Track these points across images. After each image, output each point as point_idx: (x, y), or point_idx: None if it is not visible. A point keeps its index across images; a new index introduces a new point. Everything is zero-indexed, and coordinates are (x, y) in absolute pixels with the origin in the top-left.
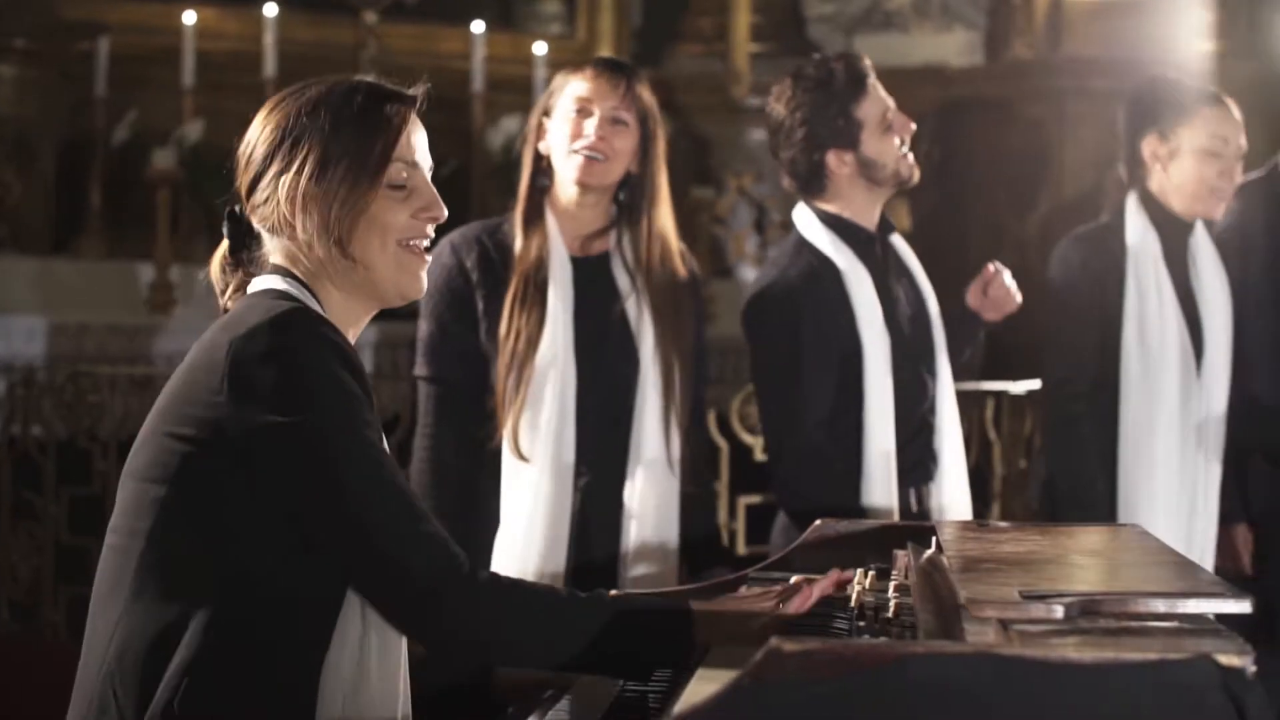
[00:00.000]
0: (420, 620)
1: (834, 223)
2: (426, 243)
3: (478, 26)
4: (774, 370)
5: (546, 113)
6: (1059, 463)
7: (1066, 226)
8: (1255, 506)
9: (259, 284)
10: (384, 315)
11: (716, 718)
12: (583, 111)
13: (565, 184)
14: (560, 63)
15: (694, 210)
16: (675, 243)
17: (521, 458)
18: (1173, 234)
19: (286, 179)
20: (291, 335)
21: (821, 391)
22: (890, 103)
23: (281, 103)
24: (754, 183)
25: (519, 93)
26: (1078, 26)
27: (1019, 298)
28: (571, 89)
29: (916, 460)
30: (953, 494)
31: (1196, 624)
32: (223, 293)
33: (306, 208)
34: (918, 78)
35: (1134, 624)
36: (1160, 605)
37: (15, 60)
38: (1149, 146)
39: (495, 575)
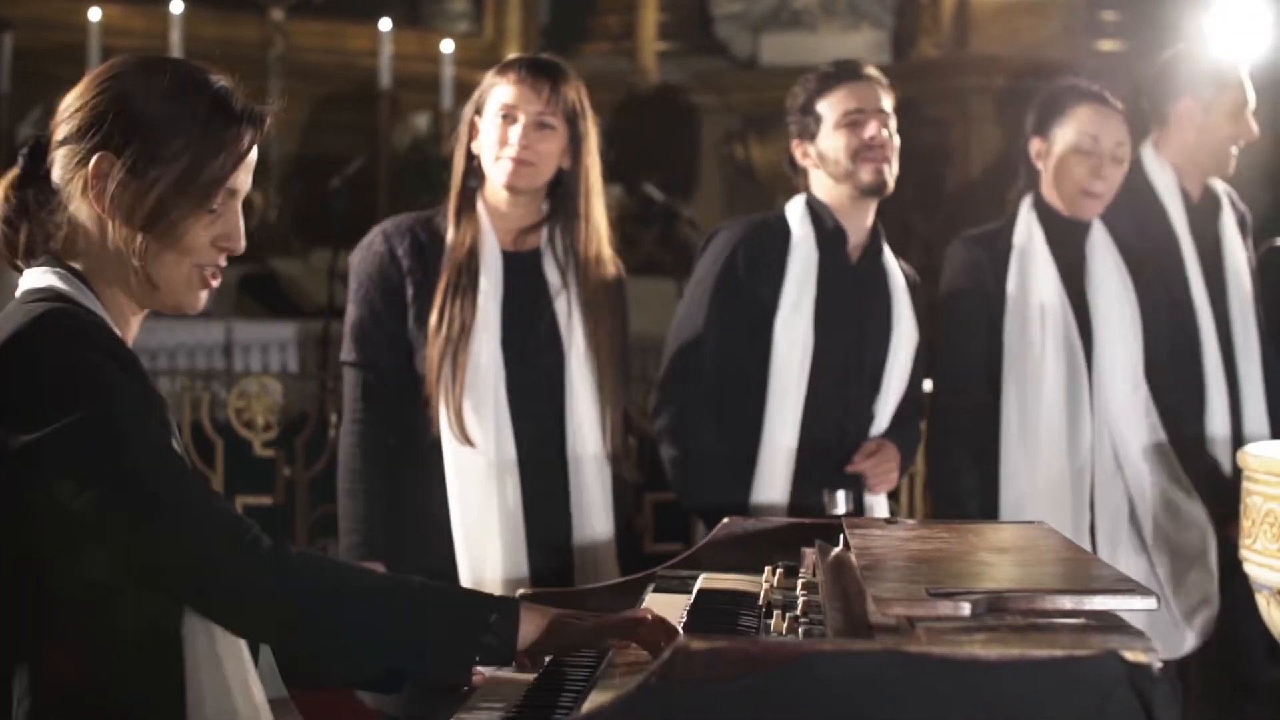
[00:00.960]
0: (220, 590)
1: (811, 202)
2: (217, 268)
3: (385, 24)
4: (685, 304)
5: (478, 111)
6: (934, 458)
7: (971, 225)
8: None
9: (29, 280)
10: (289, 313)
11: (624, 717)
12: (508, 118)
13: (495, 186)
14: (468, 61)
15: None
16: (608, 238)
17: (468, 442)
18: (1064, 235)
19: (104, 157)
20: (42, 338)
21: (721, 348)
22: (860, 105)
23: (122, 73)
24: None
25: (426, 90)
26: (984, 26)
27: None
28: (497, 94)
29: (836, 465)
30: (877, 502)
31: (1103, 620)
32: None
33: (115, 199)
34: None
35: (1041, 620)
36: (1067, 602)
37: None
38: (1034, 147)
39: (289, 544)
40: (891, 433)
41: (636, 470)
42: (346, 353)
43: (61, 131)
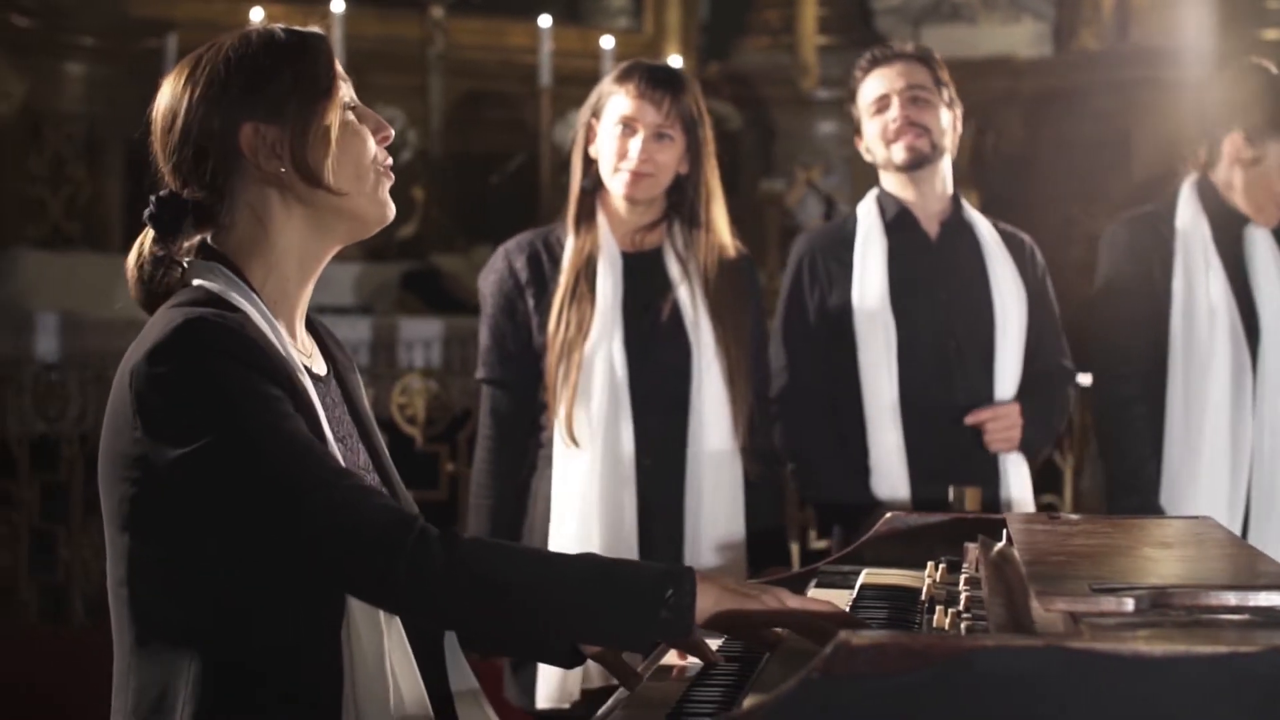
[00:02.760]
0: (392, 582)
1: (879, 194)
2: (386, 166)
3: (545, 21)
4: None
5: (595, 115)
6: (1112, 447)
7: None
8: None
9: (187, 277)
10: (451, 309)
11: (784, 713)
12: (627, 130)
13: (614, 195)
14: (628, 57)
15: (762, 203)
16: (729, 238)
17: (574, 443)
18: (1225, 224)
19: (245, 129)
20: (182, 352)
21: (798, 356)
22: (885, 90)
23: (196, 67)
24: (822, 175)
25: (586, 87)
26: (1145, 16)
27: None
28: (616, 104)
29: (959, 458)
30: (1015, 493)
31: (1268, 617)
32: (143, 298)
33: (273, 151)
34: (986, 69)
35: (1205, 617)
36: (1232, 598)
37: (84, 58)
38: (1232, 144)
39: (458, 532)
40: (1019, 398)
41: (773, 466)
42: (479, 371)
43: (172, 149)
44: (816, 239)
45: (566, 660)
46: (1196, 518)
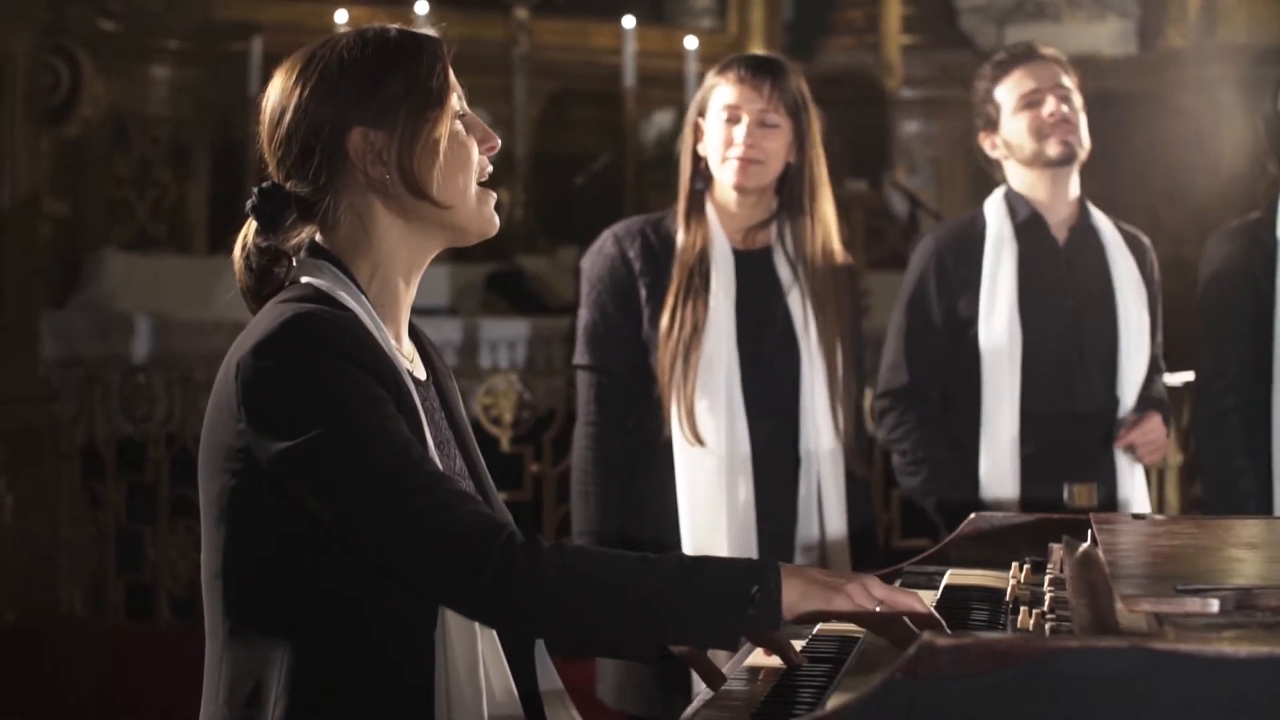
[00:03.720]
0: (479, 592)
1: (1008, 194)
2: (490, 171)
3: (629, 21)
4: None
5: (701, 113)
6: (1208, 457)
7: (1222, 217)
8: None
9: (293, 275)
10: (535, 310)
11: (868, 713)
12: (732, 118)
13: (724, 187)
14: (712, 57)
15: (849, 204)
16: (836, 232)
17: (700, 442)
18: None
19: (353, 133)
20: (290, 347)
21: (920, 356)
22: (1037, 85)
23: (307, 65)
24: (906, 175)
25: (671, 87)
26: (1231, 13)
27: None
28: (719, 95)
29: (1073, 459)
30: (1129, 492)
31: None
32: (251, 293)
33: (380, 158)
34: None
35: None
36: None
37: (169, 61)
38: None
39: (542, 540)
40: (1147, 404)
41: (869, 466)
42: (580, 356)
43: (280, 146)
44: (944, 240)
45: (651, 658)
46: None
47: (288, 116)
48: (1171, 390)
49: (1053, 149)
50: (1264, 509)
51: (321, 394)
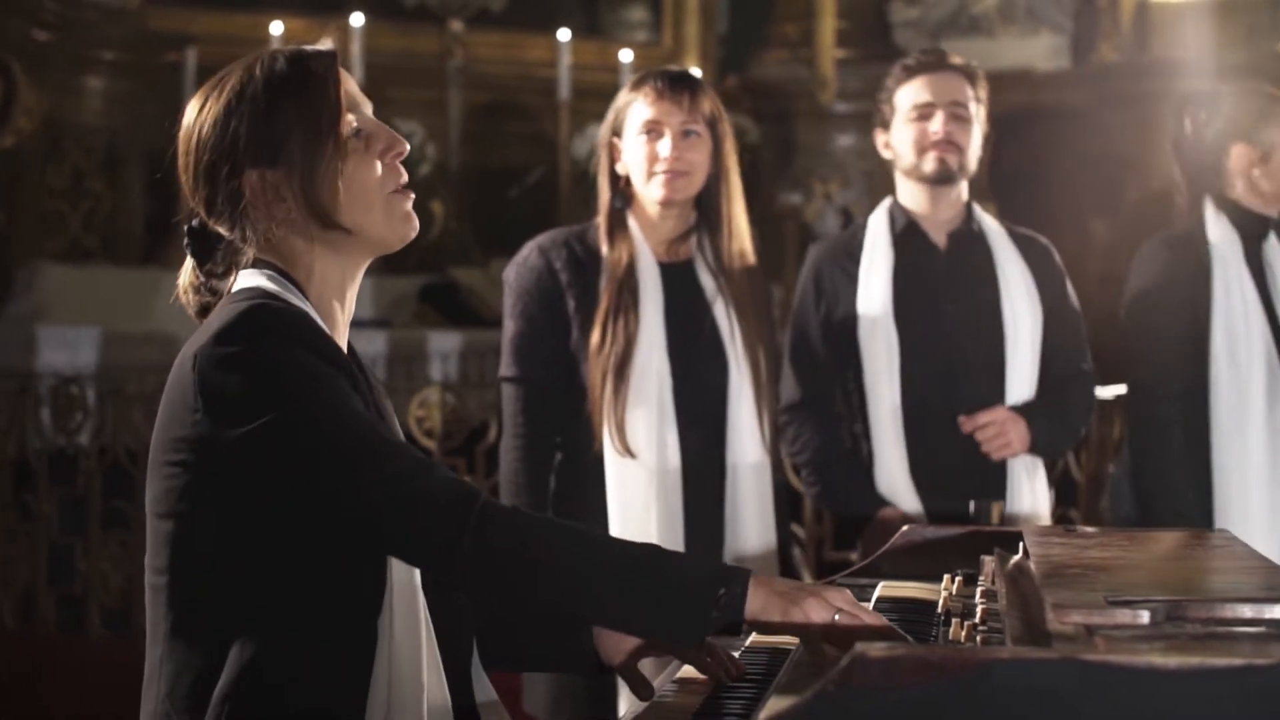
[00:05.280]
0: (460, 551)
1: (890, 205)
2: (405, 180)
3: (564, 34)
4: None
5: (617, 132)
6: (1150, 471)
7: (1154, 230)
8: None
9: (238, 282)
10: (469, 322)
11: None
12: (654, 134)
13: (649, 202)
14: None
15: (781, 217)
16: (749, 243)
17: (631, 454)
18: (1250, 234)
19: (249, 175)
20: (247, 334)
21: (805, 368)
22: (931, 99)
23: (208, 99)
24: (840, 188)
25: (605, 100)
26: (1164, 29)
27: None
28: (637, 112)
29: (971, 471)
30: (1027, 505)
31: None
32: (199, 312)
33: (279, 195)
34: (1004, 82)
35: (1220, 629)
36: (1247, 610)
37: (103, 72)
38: (1239, 154)
39: (520, 508)
40: (1028, 406)
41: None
42: (506, 368)
43: (193, 185)
44: (823, 253)
45: (590, 670)
46: (1211, 531)
47: (191, 159)
48: (1102, 403)
49: (928, 165)
50: (1204, 522)
51: (281, 377)
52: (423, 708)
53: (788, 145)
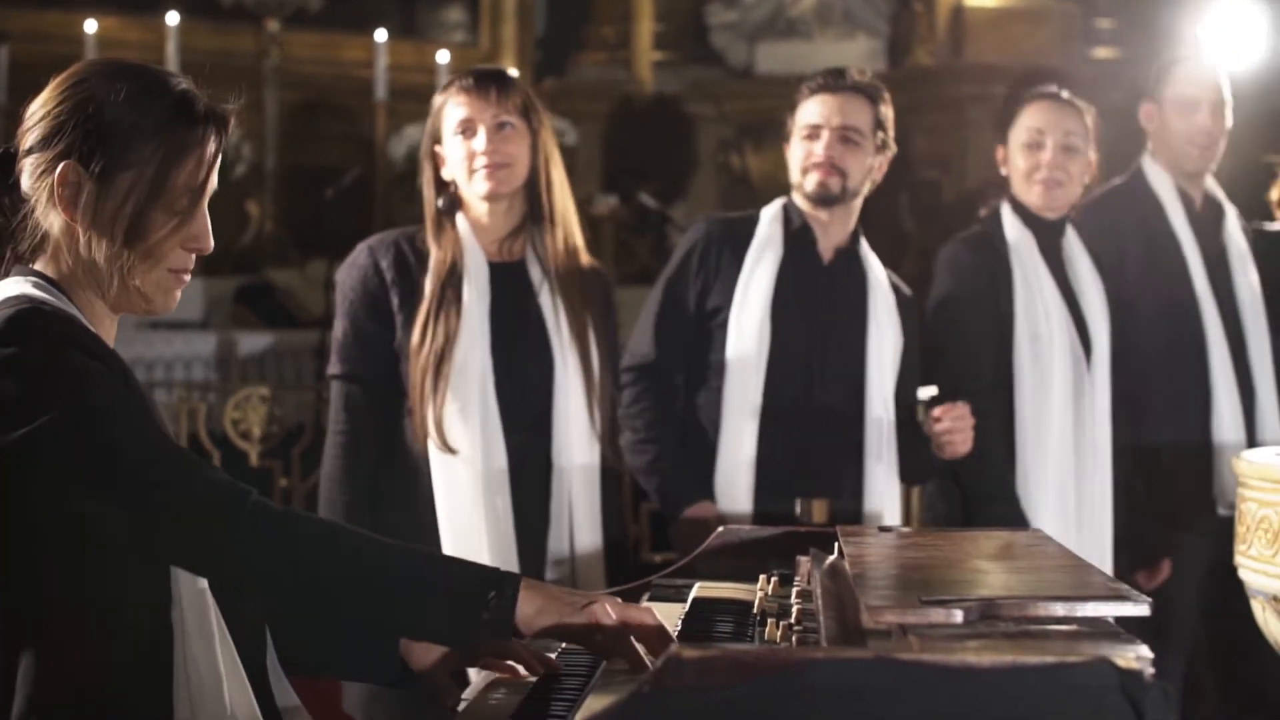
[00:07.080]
0: (218, 554)
1: (788, 204)
2: (187, 269)
3: (381, 35)
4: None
5: (437, 140)
6: (970, 462)
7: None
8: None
9: (1, 292)
10: (285, 324)
11: None
12: (468, 130)
13: (475, 200)
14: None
15: (599, 219)
16: (578, 231)
17: (451, 450)
18: (1045, 234)
19: (70, 166)
20: (21, 336)
21: (667, 337)
22: (821, 120)
23: (85, 79)
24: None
25: (422, 101)
26: (979, 34)
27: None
28: (451, 114)
29: (806, 474)
30: (879, 505)
31: (1095, 627)
32: None
33: (84, 207)
34: None
35: (1033, 627)
36: (1059, 609)
37: None
38: (999, 152)
39: (292, 507)
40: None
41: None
42: (333, 366)
43: (28, 140)
44: (715, 228)
45: (390, 678)
46: (1024, 530)
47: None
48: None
49: (810, 185)
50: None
51: (57, 377)
52: (226, 712)
53: (605, 147)
